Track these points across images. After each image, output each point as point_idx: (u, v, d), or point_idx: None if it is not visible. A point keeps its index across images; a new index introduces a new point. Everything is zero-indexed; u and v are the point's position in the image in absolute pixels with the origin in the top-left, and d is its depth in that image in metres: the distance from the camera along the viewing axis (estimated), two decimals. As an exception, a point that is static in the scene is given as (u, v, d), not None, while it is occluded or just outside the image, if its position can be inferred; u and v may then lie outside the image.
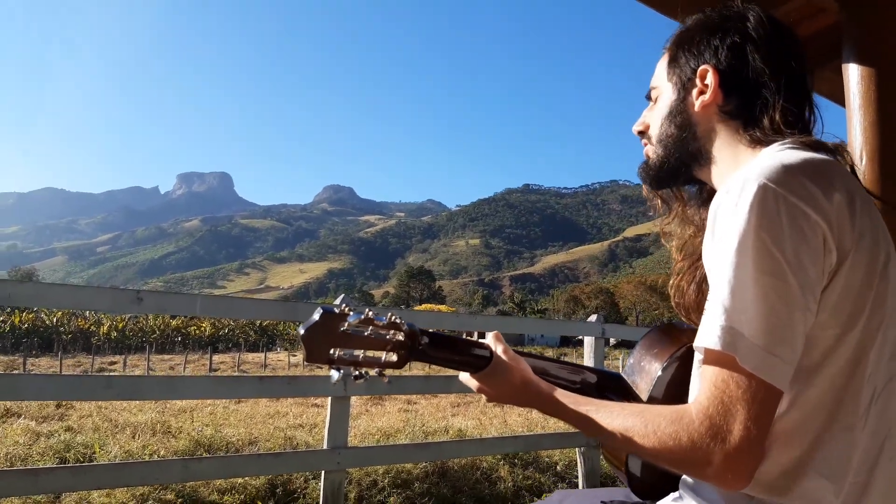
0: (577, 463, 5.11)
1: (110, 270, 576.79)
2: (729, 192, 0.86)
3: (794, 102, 1.01)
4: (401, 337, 0.98)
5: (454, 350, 1.06)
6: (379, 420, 8.42)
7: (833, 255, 0.83)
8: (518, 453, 5.20)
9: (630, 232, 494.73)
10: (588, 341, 5.19)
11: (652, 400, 1.11)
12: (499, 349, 1.08)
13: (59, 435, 5.54)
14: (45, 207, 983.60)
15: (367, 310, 0.96)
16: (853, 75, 2.04)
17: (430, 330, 1.05)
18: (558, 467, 5.35)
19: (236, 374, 25.59)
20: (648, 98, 1.18)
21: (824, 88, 2.70)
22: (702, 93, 1.06)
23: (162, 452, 4.90)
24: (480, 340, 1.10)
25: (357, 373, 0.98)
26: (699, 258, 1.16)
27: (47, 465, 3.76)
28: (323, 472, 3.71)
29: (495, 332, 1.11)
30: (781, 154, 0.90)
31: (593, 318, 5.23)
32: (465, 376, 1.11)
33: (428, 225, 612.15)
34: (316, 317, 0.92)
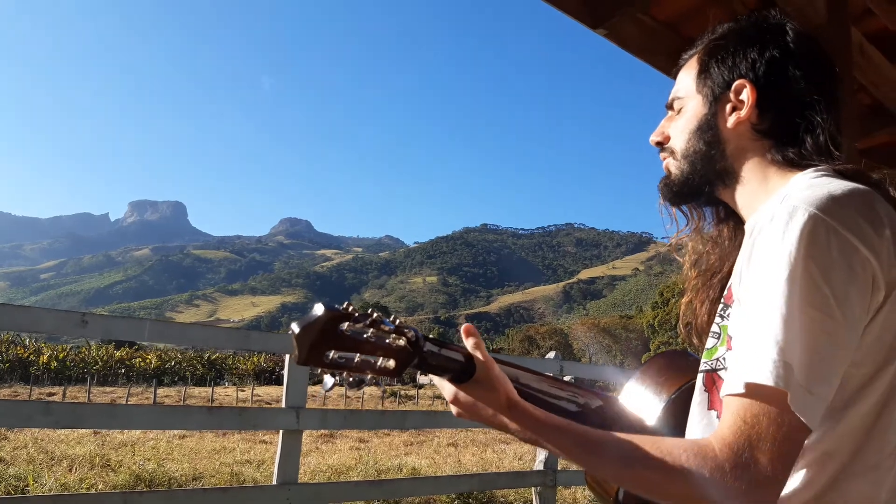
0: (532, 503, 5.05)
1: (53, 298, 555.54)
2: (774, 219, 0.82)
3: (833, 126, 0.97)
4: (402, 342, 0.88)
5: (451, 357, 0.96)
6: (330, 458, 8.21)
7: (881, 293, 0.80)
8: (473, 492, 5.11)
9: (584, 274, 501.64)
10: (545, 378, 5.17)
11: (649, 431, 1.06)
12: (483, 361, 0.95)
13: (-11, 467, 5.22)
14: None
15: (373, 311, 0.87)
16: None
17: (433, 337, 0.95)
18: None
19: (182, 408, 24.79)
20: (669, 108, 1.12)
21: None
22: (736, 109, 1.00)
23: (100, 486, 4.66)
24: (452, 342, 0.99)
25: (351, 378, 0.88)
26: (712, 276, 1.13)
27: (-26, 498, 3.52)
28: (276, 510, 3.56)
29: (476, 340, 0.96)
30: (824, 183, 0.86)
31: (551, 354, 5.24)
32: (439, 381, 0.97)
33: (385, 261, 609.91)
34: (318, 312, 0.81)
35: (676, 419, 1.07)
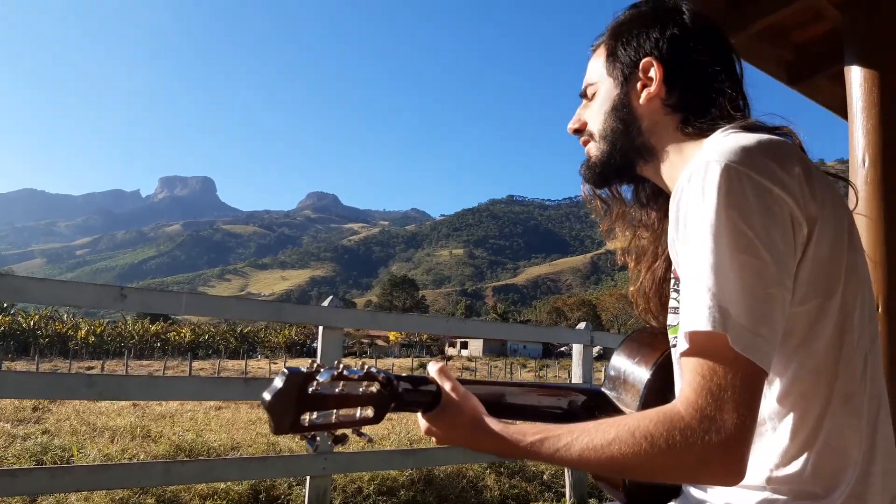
0: (563, 472, 5.08)
1: (89, 274, 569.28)
2: (691, 178, 0.84)
3: (734, 91, 1.02)
4: (375, 388, 0.88)
5: (424, 391, 0.96)
6: (363, 428, 8.34)
7: (803, 227, 0.83)
8: (505, 462, 5.15)
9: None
10: (577, 349, 5.18)
11: (644, 406, 1.05)
12: (446, 386, 0.96)
13: (36, 437, 5.41)
14: (23, 209, 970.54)
15: (338, 364, 0.86)
16: (855, 79, 2.04)
17: (407, 375, 0.96)
18: (545, 476, 5.30)
19: (216, 380, 25.36)
20: (583, 96, 1.15)
21: (820, 97, 2.69)
22: (645, 86, 1.05)
23: (142, 457, 4.79)
24: (424, 375, 0.99)
25: (334, 436, 0.88)
26: (653, 260, 1.16)
27: (25, 467, 3.65)
28: (308, 477, 3.64)
29: (440, 366, 1.00)
30: (734, 137, 0.89)
31: (582, 325, 5.22)
32: (418, 416, 0.99)
33: (412, 234, 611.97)
34: (279, 383, 0.81)
35: (659, 398, 1.05)
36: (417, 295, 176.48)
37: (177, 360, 51.03)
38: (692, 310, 0.80)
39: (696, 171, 0.84)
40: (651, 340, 1.16)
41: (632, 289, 1.19)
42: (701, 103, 1.01)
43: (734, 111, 1.00)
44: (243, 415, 8.66)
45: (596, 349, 5.30)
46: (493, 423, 0.93)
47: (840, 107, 2.32)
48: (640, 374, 1.10)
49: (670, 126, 1.04)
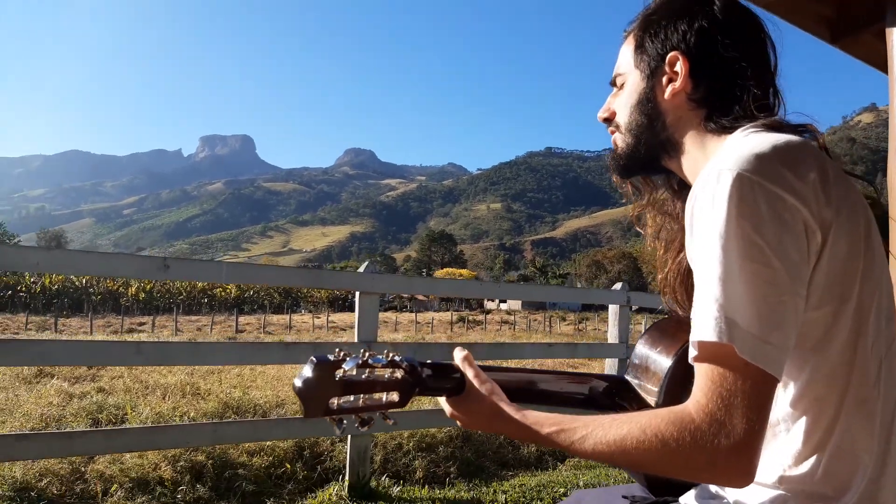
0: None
1: (137, 233, 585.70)
2: (704, 186, 0.84)
3: (761, 88, 1.00)
4: (399, 374, 0.93)
5: (447, 377, 1.00)
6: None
7: (817, 235, 0.82)
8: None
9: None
10: (613, 309, 5.16)
11: (664, 395, 1.08)
12: (469, 374, 1.01)
13: (92, 396, 5.67)
14: (70, 170, 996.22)
15: (364, 352, 0.91)
16: (896, 39, 1.94)
17: (428, 360, 1.00)
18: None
19: (261, 335, 25.98)
20: (613, 84, 1.14)
21: (863, 53, 2.58)
22: (671, 80, 1.03)
23: (192, 414, 5.00)
24: (448, 362, 1.03)
25: (361, 419, 0.92)
26: (680, 250, 1.15)
27: (82, 429, 3.85)
28: (349, 436, 3.76)
29: (465, 353, 1.03)
30: (750, 141, 0.88)
31: (618, 286, 5.19)
32: (441, 400, 1.03)
33: (449, 189, 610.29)
34: (308, 371, 0.87)
35: (679, 387, 1.08)
36: (455, 250, 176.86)
37: (223, 315, 52.49)
38: (700, 319, 0.81)
39: (708, 179, 0.84)
40: (675, 330, 1.17)
41: (659, 276, 1.19)
42: (726, 99, 1.00)
43: (760, 110, 0.97)
44: (287, 370, 8.92)
45: (634, 308, 5.27)
46: (513, 412, 0.96)
47: (883, 63, 2.23)
48: (662, 362, 1.12)
49: (694, 121, 1.03)
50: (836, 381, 0.85)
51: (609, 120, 1.14)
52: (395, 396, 0.93)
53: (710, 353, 0.80)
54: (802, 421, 0.87)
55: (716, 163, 0.85)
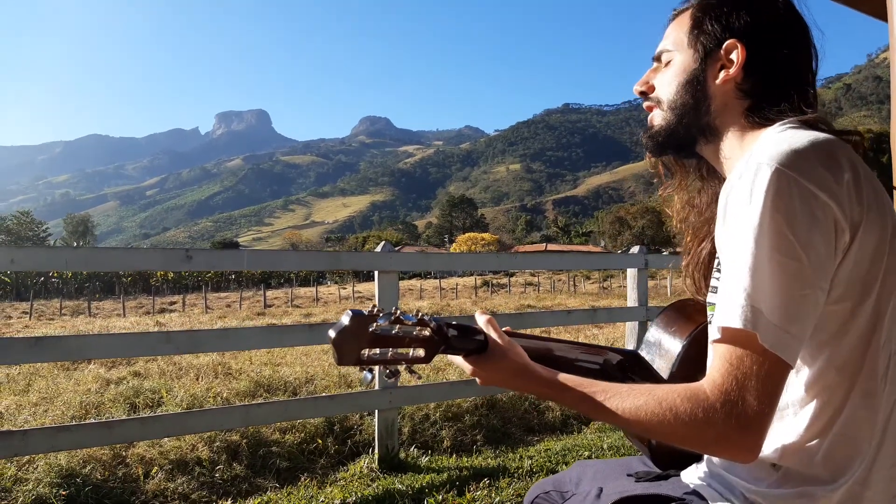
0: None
1: (161, 213, 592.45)
2: (742, 177, 0.87)
3: (806, 88, 1.03)
4: (427, 332, 0.99)
5: (472, 338, 1.06)
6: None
7: (846, 233, 0.85)
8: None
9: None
10: (631, 273, 5.18)
11: (673, 378, 1.12)
12: (493, 334, 1.06)
13: (128, 381, 5.85)
14: (91, 154, 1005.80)
15: (395, 310, 0.97)
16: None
17: (453, 321, 1.06)
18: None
19: (290, 308, 26.32)
20: (657, 59, 1.14)
21: (868, 6, 2.53)
22: (725, 67, 1.04)
23: (225, 394, 5.14)
24: (472, 325, 1.08)
25: (388, 371, 1.00)
26: (704, 238, 1.18)
27: (120, 418, 4.01)
28: (377, 410, 3.87)
29: (488, 317, 1.09)
30: (789, 136, 0.91)
31: (635, 249, 5.20)
32: (458, 359, 1.08)
33: (466, 152, 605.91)
34: (345, 320, 0.93)
35: (689, 367, 1.13)
36: (476, 214, 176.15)
37: (251, 290, 53.25)
38: (727, 306, 0.85)
39: (747, 170, 0.87)
40: (691, 312, 1.22)
41: (683, 262, 1.23)
42: (774, 94, 1.02)
43: (805, 107, 1.01)
44: (314, 347, 9.11)
45: (647, 269, 5.27)
46: (535, 369, 1.02)
47: (884, 14, 2.19)
48: (675, 343, 1.18)
49: (737, 110, 1.05)
50: (847, 372, 0.89)
51: (646, 94, 1.15)
52: (420, 352, 1.00)
53: (732, 337, 0.85)
54: (810, 406, 0.91)
55: (755, 156, 0.88)
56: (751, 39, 1.02)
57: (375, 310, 0.96)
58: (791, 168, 0.84)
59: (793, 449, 0.92)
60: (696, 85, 1.06)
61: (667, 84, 1.10)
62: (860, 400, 0.89)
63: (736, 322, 0.83)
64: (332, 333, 0.93)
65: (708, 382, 0.85)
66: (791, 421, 0.93)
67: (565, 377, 0.99)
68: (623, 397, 0.91)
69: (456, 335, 1.03)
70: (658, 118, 1.12)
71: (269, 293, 41.37)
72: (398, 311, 0.97)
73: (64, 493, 3.12)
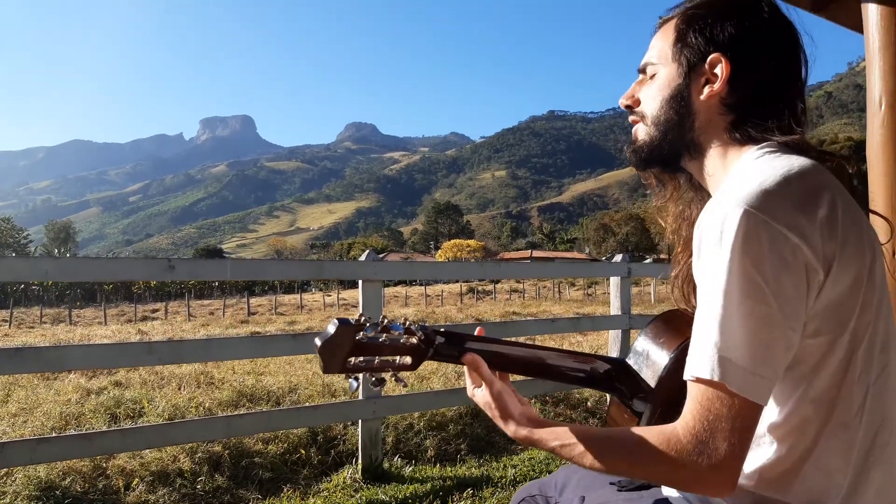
0: (607, 399, 5.22)
1: (144, 219, 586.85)
2: (712, 218, 0.87)
3: (793, 101, 1.01)
4: (414, 340, 1.01)
5: (462, 346, 1.08)
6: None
7: (819, 273, 0.85)
8: (550, 391, 5.32)
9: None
10: (614, 281, 5.21)
11: (659, 388, 1.13)
12: (484, 381, 1.07)
13: (109, 391, 5.77)
14: (74, 160, 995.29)
15: (383, 318, 0.99)
16: (872, 17, 1.94)
17: (445, 329, 1.07)
18: (588, 403, 5.47)
19: (273, 316, 26.18)
20: (642, 72, 1.12)
21: (845, 20, 2.58)
22: (709, 82, 1.02)
23: (207, 404, 5.10)
24: (463, 333, 1.10)
25: (374, 378, 1.01)
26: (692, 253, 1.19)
27: (101, 429, 3.97)
28: (360, 420, 3.86)
29: (472, 358, 1.07)
30: (763, 169, 0.91)
31: (618, 258, 5.24)
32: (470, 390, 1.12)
33: (452, 159, 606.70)
34: (331, 329, 0.94)
35: (674, 379, 1.13)
36: (462, 220, 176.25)
37: (235, 297, 52.87)
38: (697, 355, 0.87)
39: (717, 209, 0.87)
40: (679, 324, 1.22)
41: (673, 273, 1.22)
42: (760, 108, 1.00)
43: (793, 121, 1.00)
44: (300, 355, 9.07)
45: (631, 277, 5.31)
46: (524, 427, 1.04)
47: (861, 26, 2.24)
48: (662, 355, 1.18)
49: (721, 126, 1.03)
50: (823, 405, 0.90)
51: (631, 107, 1.13)
52: (407, 360, 1.02)
53: (703, 383, 0.86)
54: (787, 437, 0.92)
55: (725, 194, 0.88)
56: (736, 52, 1.00)
57: (363, 319, 0.97)
58: (761, 210, 0.83)
59: (769, 478, 0.93)
60: (680, 101, 1.05)
61: (651, 99, 1.09)
62: (835, 432, 0.90)
63: (704, 373, 0.85)
64: (318, 342, 0.94)
65: (681, 424, 0.87)
66: (767, 449, 0.94)
67: (547, 434, 1.01)
68: (600, 447, 0.95)
69: (443, 342, 1.05)
70: (642, 133, 1.11)
71: (253, 300, 41.11)
72: (385, 320, 0.98)
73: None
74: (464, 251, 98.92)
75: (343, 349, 0.95)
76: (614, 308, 5.20)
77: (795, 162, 0.91)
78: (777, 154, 0.95)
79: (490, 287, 50.52)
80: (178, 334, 14.89)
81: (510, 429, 1.05)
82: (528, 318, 18.03)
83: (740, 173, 0.95)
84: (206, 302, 49.39)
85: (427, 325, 1.05)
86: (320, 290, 66.75)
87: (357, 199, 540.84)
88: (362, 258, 3.84)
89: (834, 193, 0.89)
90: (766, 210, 0.83)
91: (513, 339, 1.23)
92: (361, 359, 0.98)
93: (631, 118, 1.14)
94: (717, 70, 1.01)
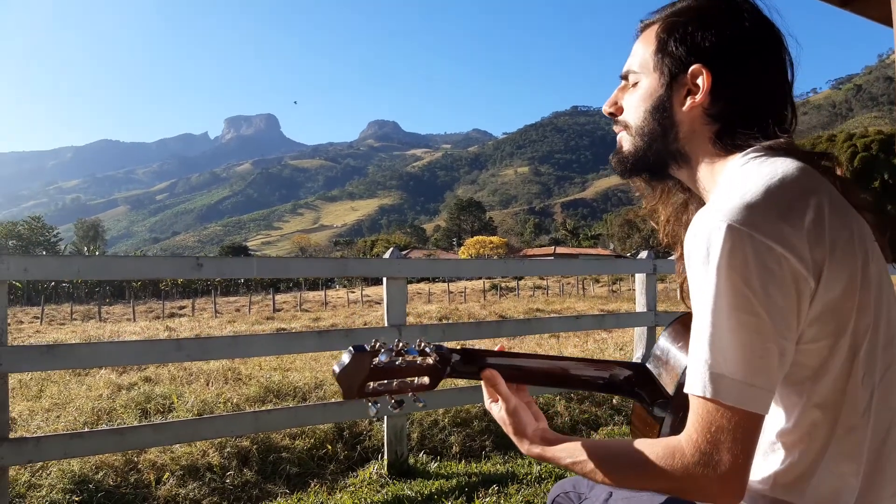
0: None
1: (171, 217, 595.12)
2: (698, 234, 0.87)
3: (779, 108, 1.01)
4: (430, 361, 1.03)
5: (478, 362, 1.10)
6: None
7: (808, 281, 0.85)
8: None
9: (657, 226, 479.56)
10: (640, 278, 5.17)
11: (678, 392, 1.13)
12: (502, 400, 1.10)
13: (139, 387, 5.89)
14: (101, 159, 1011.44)
15: (397, 342, 1.01)
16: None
17: (461, 347, 1.10)
18: (614, 400, 5.44)
19: (298, 312, 26.40)
20: (624, 78, 1.11)
21: (873, 12, 2.53)
22: (691, 93, 1.01)
23: (235, 400, 5.18)
24: (478, 349, 1.12)
25: (393, 401, 1.03)
26: None
27: (132, 424, 4.05)
28: (385, 416, 3.89)
29: (490, 374, 1.09)
30: (747, 180, 0.90)
31: (643, 254, 5.19)
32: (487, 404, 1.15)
33: (475, 155, 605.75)
34: (346, 359, 0.97)
35: None
36: (485, 217, 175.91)
37: (260, 294, 53.39)
38: (691, 373, 0.88)
39: (702, 226, 0.87)
40: None
41: (679, 280, 1.20)
42: (744, 117, 0.99)
43: (778, 127, 0.99)
44: (325, 352, 9.14)
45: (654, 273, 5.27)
46: (537, 447, 1.07)
47: (891, 20, 2.19)
48: (680, 359, 1.17)
49: (705, 135, 1.02)
50: (829, 409, 0.90)
51: (614, 115, 1.12)
52: (425, 380, 1.04)
53: (701, 399, 0.87)
54: (798, 443, 0.92)
55: (710, 209, 0.88)
56: (717, 62, 0.98)
57: (377, 345, 0.99)
58: (745, 224, 0.83)
59: (784, 483, 0.94)
60: (662, 112, 1.04)
61: (633, 108, 1.08)
62: (843, 436, 0.90)
63: (700, 391, 0.86)
64: (336, 369, 0.97)
65: (685, 437, 0.88)
66: (780, 455, 0.94)
67: (560, 452, 1.03)
68: (612, 463, 0.96)
69: (459, 360, 1.07)
70: (626, 143, 1.10)
71: (278, 297, 41.48)
72: (400, 344, 1.00)
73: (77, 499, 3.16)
74: (486, 248, 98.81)
75: (360, 375, 0.98)
76: (640, 305, 5.16)
77: (780, 167, 0.91)
78: (763, 159, 0.94)
79: (513, 284, 50.39)
80: (205, 331, 15.11)
81: (524, 447, 1.07)
82: (553, 315, 17.97)
83: (727, 182, 0.95)
84: (232, 298, 49.95)
85: (443, 345, 1.07)
86: (345, 286, 67.17)
87: (380, 196, 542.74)
88: (386, 256, 3.86)
89: (820, 197, 0.88)
90: (749, 224, 0.83)
91: (531, 353, 1.23)
92: (379, 383, 1.00)
93: (615, 128, 1.13)
94: (699, 81, 0.99)
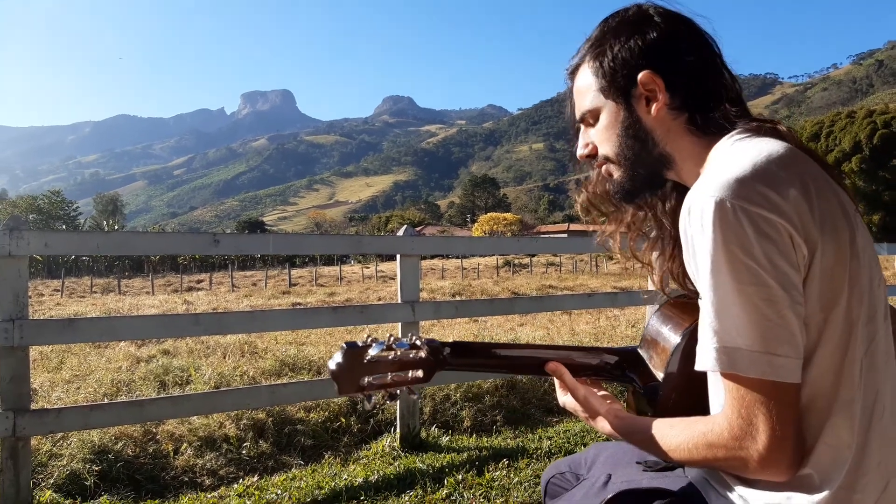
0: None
1: (188, 192, 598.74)
2: (691, 212, 0.89)
3: (724, 79, 1.05)
4: (423, 354, 1.05)
5: (474, 356, 1.14)
6: (449, 333, 8.72)
7: (803, 247, 0.86)
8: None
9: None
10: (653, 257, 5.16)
11: (668, 375, 1.15)
12: (579, 392, 1.16)
13: (158, 359, 6.00)
14: (119, 134, 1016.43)
15: (389, 337, 1.04)
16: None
17: (452, 340, 1.12)
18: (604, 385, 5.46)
19: (314, 287, 26.61)
20: (582, 122, 1.15)
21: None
22: (650, 99, 1.05)
23: (251, 373, 5.26)
24: (469, 342, 1.14)
25: (389, 393, 1.05)
26: (673, 247, 1.21)
27: (151, 396, 4.14)
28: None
29: (554, 366, 1.17)
30: (733, 158, 0.92)
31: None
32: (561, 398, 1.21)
33: (489, 131, 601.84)
34: (339, 357, 1.00)
35: (682, 363, 1.15)
36: (499, 194, 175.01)
37: (276, 269, 53.81)
38: (702, 349, 0.90)
39: (694, 204, 0.89)
40: (685, 308, 1.22)
41: (656, 276, 1.27)
42: (703, 97, 1.03)
43: (736, 101, 1.04)
44: (339, 327, 9.21)
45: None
46: (608, 426, 1.13)
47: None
48: (671, 339, 1.18)
49: (680, 128, 1.05)
50: (827, 383, 0.90)
51: (592, 156, 1.16)
52: (419, 373, 1.06)
53: (726, 376, 0.90)
54: (801, 417, 0.92)
55: (701, 187, 0.90)
56: (656, 60, 1.03)
57: (369, 340, 1.02)
58: (735, 197, 0.85)
59: None
60: (634, 128, 1.07)
61: (606, 140, 1.11)
62: (841, 409, 0.90)
63: (712, 366, 0.88)
64: (330, 366, 1.00)
65: (721, 417, 0.91)
66: None
67: (625, 426, 1.10)
68: (665, 440, 1.00)
69: (450, 352, 1.10)
70: (616, 171, 1.13)
71: (294, 272, 41.78)
72: (391, 339, 1.03)
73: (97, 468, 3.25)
74: (500, 224, 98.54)
75: (354, 371, 1.01)
76: (651, 283, 5.15)
77: (765, 146, 0.93)
78: (749, 137, 0.98)
79: (526, 260, 50.34)
80: (221, 305, 15.29)
81: (599, 426, 1.13)
82: (565, 291, 17.95)
83: (716, 161, 0.98)
84: (248, 273, 50.42)
85: (434, 338, 1.10)
86: (359, 262, 67.43)
87: (394, 172, 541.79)
88: (400, 233, 3.89)
89: (803, 171, 0.91)
90: (741, 196, 0.85)
91: (520, 341, 1.26)
92: (374, 377, 1.02)
93: (597, 164, 1.16)
94: (652, 85, 1.03)
